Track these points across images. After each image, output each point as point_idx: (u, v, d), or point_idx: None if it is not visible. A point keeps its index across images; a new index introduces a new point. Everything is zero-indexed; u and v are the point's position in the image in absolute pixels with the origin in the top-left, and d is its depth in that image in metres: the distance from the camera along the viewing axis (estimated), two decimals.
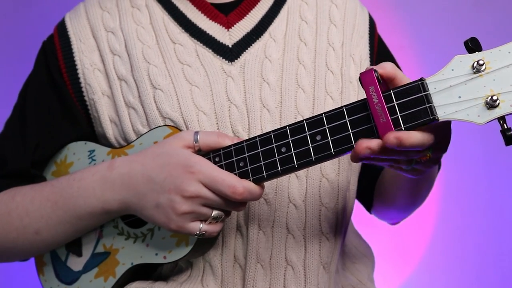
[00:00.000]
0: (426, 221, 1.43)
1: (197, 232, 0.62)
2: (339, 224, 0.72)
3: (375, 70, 0.53)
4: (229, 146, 0.62)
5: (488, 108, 0.48)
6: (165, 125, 0.69)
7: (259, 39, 0.74)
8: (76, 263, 0.75)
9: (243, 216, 0.69)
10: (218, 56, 0.73)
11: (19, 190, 0.73)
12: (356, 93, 0.75)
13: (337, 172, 0.72)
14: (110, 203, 0.67)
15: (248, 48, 0.74)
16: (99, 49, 0.76)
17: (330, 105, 0.72)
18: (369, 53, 0.78)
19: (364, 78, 0.52)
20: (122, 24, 0.76)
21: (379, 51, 0.81)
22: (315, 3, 0.78)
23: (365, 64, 0.76)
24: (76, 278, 0.74)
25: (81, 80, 0.75)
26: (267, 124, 0.70)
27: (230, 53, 0.73)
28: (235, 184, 0.59)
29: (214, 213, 0.62)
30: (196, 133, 0.63)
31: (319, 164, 0.69)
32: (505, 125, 0.48)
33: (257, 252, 0.69)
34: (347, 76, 0.74)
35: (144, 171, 0.63)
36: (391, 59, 0.83)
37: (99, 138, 0.77)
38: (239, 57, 0.73)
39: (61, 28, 0.78)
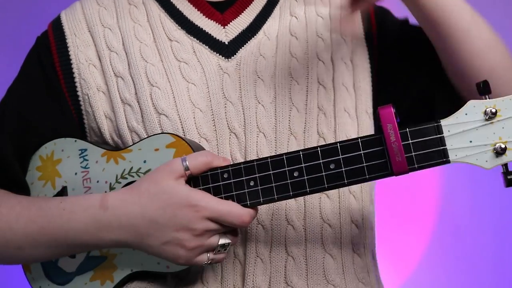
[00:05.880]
0: (426, 221, 1.57)
1: (205, 262, 0.72)
2: (341, 212, 0.82)
3: (393, 106, 0.64)
4: (238, 164, 0.72)
5: (496, 155, 0.60)
6: (168, 133, 0.77)
7: (254, 36, 0.86)
8: (68, 264, 0.83)
9: None
10: (215, 53, 0.84)
11: (6, 199, 0.80)
12: (351, 73, 0.85)
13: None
14: (105, 242, 0.73)
15: (244, 45, 0.85)
16: (95, 45, 0.84)
17: (322, 95, 0.82)
18: (363, 27, 0.88)
19: (383, 115, 0.63)
20: (120, 21, 0.85)
21: (378, 21, 0.89)
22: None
23: (358, 42, 0.87)
24: (69, 279, 0.83)
25: (76, 75, 0.84)
26: (263, 119, 0.81)
27: (227, 50, 0.84)
28: (242, 214, 0.69)
29: (221, 241, 0.71)
30: (184, 159, 0.71)
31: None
32: (506, 168, 0.60)
33: (256, 246, 0.79)
34: (339, 61, 0.84)
35: (144, 213, 0.70)
36: (395, 24, 0.90)
37: (91, 134, 0.86)
38: (235, 54, 0.84)
39: (56, 24, 0.87)
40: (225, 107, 0.81)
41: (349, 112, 0.83)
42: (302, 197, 0.80)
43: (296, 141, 0.81)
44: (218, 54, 0.84)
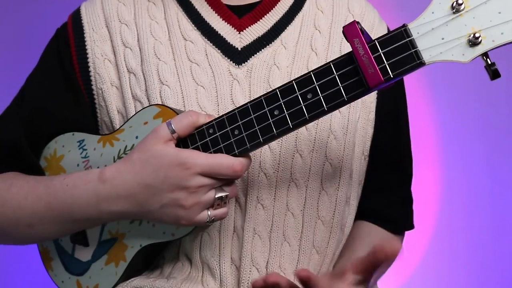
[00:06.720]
0: (426, 221, 1.55)
1: (207, 220, 0.71)
2: (332, 238, 0.83)
3: (358, 22, 0.61)
4: (221, 116, 0.71)
5: (471, 46, 0.56)
6: (154, 104, 0.77)
7: (270, 45, 0.84)
8: (84, 254, 0.85)
9: (240, 219, 0.80)
10: (226, 58, 0.83)
11: (16, 180, 0.83)
12: (367, 108, 0.85)
13: (337, 187, 0.82)
14: (107, 214, 0.75)
15: (257, 53, 0.83)
16: (111, 40, 0.86)
17: (337, 117, 0.81)
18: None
19: (348, 31, 0.60)
20: (137, 17, 0.86)
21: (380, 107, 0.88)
22: (331, 12, 0.87)
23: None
24: (86, 268, 0.85)
25: (91, 69, 0.86)
26: None
27: (239, 56, 0.83)
28: (232, 163, 0.69)
29: (218, 195, 0.70)
30: (169, 123, 0.71)
31: (320, 177, 0.80)
32: (488, 60, 0.57)
33: (252, 255, 0.79)
34: None
35: (138, 180, 0.71)
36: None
37: (103, 127, 0.87)
38: (246, 61, 0.83)
39: (76, 16, 0.89)
40: None
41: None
42: (301, 216, 0.80)
43: (301, 159, 0.80)
44: (229, 60, 0.83)
